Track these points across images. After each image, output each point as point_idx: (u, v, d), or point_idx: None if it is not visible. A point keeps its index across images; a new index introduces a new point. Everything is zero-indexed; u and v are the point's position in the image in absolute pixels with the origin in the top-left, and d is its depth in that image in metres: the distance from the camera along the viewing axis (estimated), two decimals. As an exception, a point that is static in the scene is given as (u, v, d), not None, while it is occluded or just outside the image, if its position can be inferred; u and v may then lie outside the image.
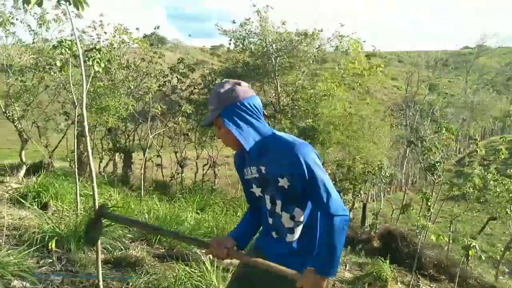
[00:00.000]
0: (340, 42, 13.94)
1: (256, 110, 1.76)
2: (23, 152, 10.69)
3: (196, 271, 3.38)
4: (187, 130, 15.20)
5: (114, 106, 10.22)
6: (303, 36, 13.46)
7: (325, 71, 14.18)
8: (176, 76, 13.88)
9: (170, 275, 3.41)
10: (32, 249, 3.03)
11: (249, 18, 13.89)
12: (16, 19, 10.85)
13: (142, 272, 3.52)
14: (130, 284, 3.21)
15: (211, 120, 1.76)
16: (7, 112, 10.91)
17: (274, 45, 13.63)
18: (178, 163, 16.27)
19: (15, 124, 10.48)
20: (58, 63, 4.48)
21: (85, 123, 1.93)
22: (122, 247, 4.21)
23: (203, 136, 15.57)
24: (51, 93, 11.75)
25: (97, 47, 3.71)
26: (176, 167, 16.31)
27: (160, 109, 7.73)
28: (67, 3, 1.55)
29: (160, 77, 12.99)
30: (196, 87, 15.11)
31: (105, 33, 12.12)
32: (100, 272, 1.89)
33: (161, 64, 13.42)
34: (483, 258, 8.83)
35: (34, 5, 1.55)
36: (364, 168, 13.78)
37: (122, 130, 14.73)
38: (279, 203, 1.79)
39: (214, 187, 15.87)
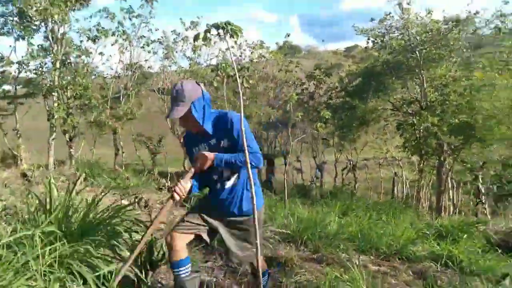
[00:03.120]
0: (503, 23, 11.93)
1: (209, 100, 2.35)
2: (186, 161, 12.41)
3: (346, 275, 3.37)
4: (326, 134, 15.26)
5: (257, 114, 11.02)
6: (454, 23, 12.01)
7: (482, 57, 12.29)
8: (313, 83, 14.10)
9: (320, 277, 3.49)
10: (200, 245, 3.48)
11: (390, 13, 13.15)
12: (176, 52, 12.86)
13: (292, 272, 3.69)
14: (283, 282, 3.40)
15: (182, 114, 2.24)
16: (172, 128, 12.90)
17: (418, 37, 12.51)
18: (317, 167, 16.48)
19: (178, 137, 12.28)
20: (215, 83, 5.09)
21: (244, 139, 2.17)
22: (271, 248, 4.51)
23: (342, 140, 15.42)
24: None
25: (246, 65, 4.10)
26: (315, 171, 16.55)
27: (300, 116, 8.02)
28: (227, 35, 1.80)
29: (298, 85, 13.39)
30: (333, 91, 15.06)
31: (245, 50, 13.21)
32: (261, 271, 2.07)
33: (296, 72, 13.84)
34: None
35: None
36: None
37: (264, 138, 15.73)
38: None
39: (354, 191, 15.48)
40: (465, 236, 7.16)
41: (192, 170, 2.35)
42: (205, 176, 2.46)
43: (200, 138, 2.44)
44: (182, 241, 2.37)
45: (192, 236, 2.44)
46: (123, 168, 11.86)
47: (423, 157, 13.22)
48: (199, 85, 2.34)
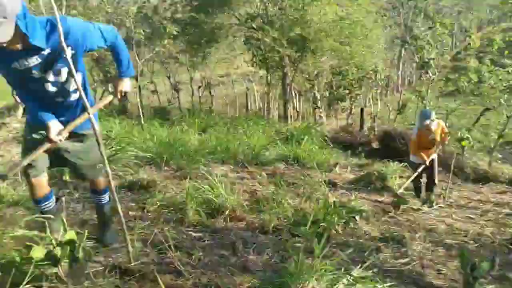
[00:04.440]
0: None
1: (27, 11, 1.88)
2: (15, 92, 10.50)
3: (205, 185, 3.56)
4: (176, 53, 14.73)
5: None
6: None
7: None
8: (156, -5, 12.99)
9: (181, 192, 3.60)
10: (52, 181, 3.15)
11: None
12: None
13: (156, 192, 3.71)
14: (146, 203, 3.40)
15: (11, 34, 1.79)
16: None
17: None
18: (172, 87, 16.11)
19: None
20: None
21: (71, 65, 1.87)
22: (132, 171, 4.39)
23: (194, 57, 15.15)
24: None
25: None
26: (171, 92, 16.19)
27: (143, 33, 7.36)
28: None
29: (139, -2, 12.18)
30: (179, 4, 14.21)
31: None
32: (115, 195, 2.00)
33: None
34: (475, 148, 9.22)
35: None
36: (359, 73, 13.60)
37: (111, 60, 14.18)
38: (64, 72, 2.11)
39: (211, 108, 15.91)
40: (306, 137, 8.31)
41: (109, 98, 2.26)
42: (38, 94, 2.14)
43: (25, 52, 1.96)
44: (45, 180, 2.27)
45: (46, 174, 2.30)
46: None
47: (269, 70, 14.17)
48: None
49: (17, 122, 7.75)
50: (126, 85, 2.38)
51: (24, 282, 1.58)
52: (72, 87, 2.18)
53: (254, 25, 12.76)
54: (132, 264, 2.11)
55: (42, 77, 2.08)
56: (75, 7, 9.80)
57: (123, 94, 2.44)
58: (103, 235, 2.56)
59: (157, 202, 3.31)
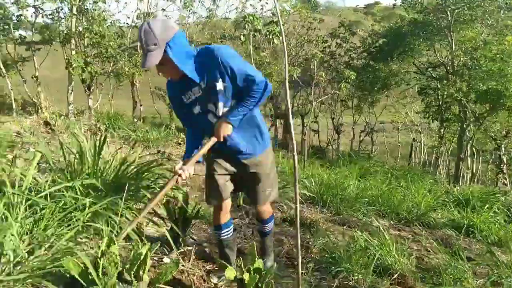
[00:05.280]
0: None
1: (185, 40, 1.93)
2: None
3: (375, 240, 3.33)
4: (344, 96, 14.92)
5: (276, 72, 10.71)
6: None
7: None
8: (336, 42, 13.54)
9: (345, 240, 3.47)
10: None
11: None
12: (194, 1, 12.33)
13: (317, 233, 3.68)
14: (310, 243, 3.40)
15: (158, 60, 1.84)
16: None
17: (454, -5, 11.70)
18: (334, 129, 16.30)
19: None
20: (242, 38, 4.84)
21: (288, 96, 2.00)
22: (292, 206, 4.51)
23: (361, 102, 15.07)
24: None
25: (274, 20, 3.85)
26: (332, 133, 16.38)
27: (324, 76, 7.73)
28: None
29: (320, 43, 12.89)
30: (355, 51, 14.50)
31: (267, 3, 12.60)
32: (299, 233, 2.01)
33: (320, 29, 13.28)
34: None
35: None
36: None
37: (282, 97, 15.40)
38: (221, 105, 2.09)
39: (371, 154, 15.37)
40: (486, 206, 7.09)
41: (213, 139, 2.10)
42: (202, 125, 2.19)
43: (188, 84, 2.05)
44: (228, 205, 2.33)
45: (230, 199, 2.35)
46: (141, 120, 11.86)
47: (444, 123, 12.91)
48: (166, 21, 1.94)
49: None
50: (228, 129, 2.10)
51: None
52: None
53: (434, 74, 11.93)
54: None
55: (204, 111, 2.12)
56: (264, 50, 11.01)
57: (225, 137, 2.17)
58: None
59: (321, 246, 3.26)
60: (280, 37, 3.85)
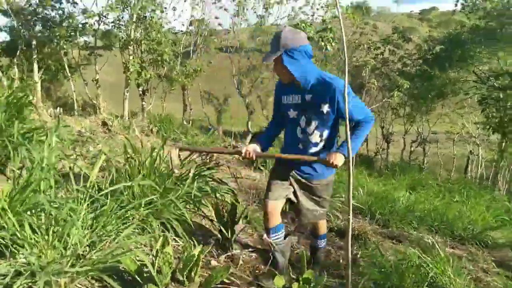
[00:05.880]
0: None
1: (308, 54, 2.22)
2: (250, 122, 12.47)
3: (429, 257, 3.16)
4: (396, 104, 14.39)
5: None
6: None
7: None
8: (389, 48, 13.12)
9: (399, 256, 3.32)
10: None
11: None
12: (247, 9, 12.53)
13: (365, 246, 3.57)
14: (357, 254, 3.30)
15: (270, 60, 2.18)
16: (239, 88, 12.91)
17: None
18: (383, 138, 15.75)
19: (243, 98, 12.29)
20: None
21: (347, 103, 1.97)
22: (342, 219, 4.40)
23: (414, 111, 14.45)
24: (271, 71, 13.17)
25: (329, 26, 3.81)
26: (381, 142, 15.85)
27: (376, 84, 7.51)
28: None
29: (372, 49, 12.55)
30: (409, 58, 13.94)
31: (318, 9, 12.50)
32: (350, 244, 1.96)
33: (372, 35, 12.94)
34: None
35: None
36: None
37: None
38: (314, 124, 2.32)
39: (422, 166, 14.67)
40: (553, 228, 6.49)
41: (310, 158, 2.32)
42: (290, 134, 2.43)
43: (293, 89, 2.33)
44: (277, 207, 2.37)
45: (284, 201, 2.41)
46: (190, 123, 12.22)
47: (506, 136, 12.00)
48: (299, 34, 2.21)
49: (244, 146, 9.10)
50: (340, 159, 2.26)
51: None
52: (315, 140, 2.36)
53: (497, 84, 11.16)
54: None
55: (296, 119, 2.36)
56: (315, 56, 10.92)
57: (333, 165, 2.29)
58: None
59: (370, 259, 3.15)
60: (333, 43, 3.82)
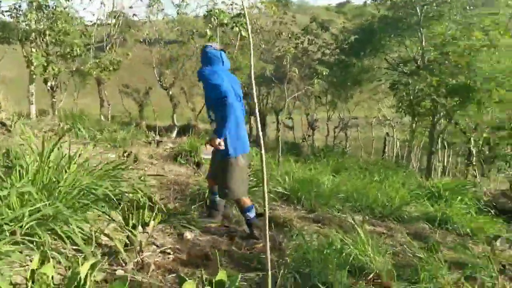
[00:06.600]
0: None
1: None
2: (174, 116, 12.01)
3: (349, 238, 3.19)
4: (319, 92, 14.90)
5: (246, 65, 10.48)
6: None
7: (485, 17, 11.78)
8: (308, 38, 13.47)
9: (322, 240, 3.32)
10: (196, 205, 3.26)
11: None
12: (162, -1, 11.95)
13: (291, 233, 3.52)
14: (282, 243, 3.23)
15: None
16: (160, 80, 12.33)
17: (420, -8, 11.85)
18: (309, 125, 16.29)
19: (166, 90, 11.77)
20: (209, 32, 4.65)
21: (253, 89, 1.83)
22: (270, 207, 4.33)
23: (335, 98, 15.10)
24: (194, 62, 12.78)
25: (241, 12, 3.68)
26: (307, 129, 16.38)
27: (296, 72, 7.61)
28: None
29: (293, 39, 12.77)
30: (328, 47, 14.48)
31: (235, -1, 12.34)
32: (267, 234, 1.84)
33: (291, 25, 13.17)
34: None
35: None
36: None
37: (256, 94, 15.28)
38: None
39: (345, 149, 15.45)
40: (458, 198, 7.15)
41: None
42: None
43: None
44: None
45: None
46: (109, 119, 11.40)
47: (415, 117, 13.08)
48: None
49: (172, 142, 8.72)
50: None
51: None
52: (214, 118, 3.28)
53: (405, 70, 12.04)
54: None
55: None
56: (234, 45, 10.78)
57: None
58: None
59: (293, 246, 3.09)
60: (247, 30, 3.67)
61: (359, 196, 6.14)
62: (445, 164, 14.75)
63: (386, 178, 8.94)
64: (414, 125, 13.34)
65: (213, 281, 1.53)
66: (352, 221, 3.92)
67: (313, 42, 13.60)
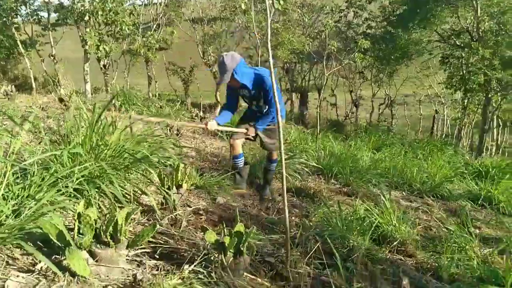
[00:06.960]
0: None
1: (244, 63, 3.45)
2: (218, 93, 12.29)
3: (376, 209, 3.26)
4: (363, 68, 14.48)
5: (288, 40, 10.42)
6: None
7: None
8: (353, 11, 13.02)
9: (348, 210, 3.42)
10: (229, 174, 3.47)
11: None
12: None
13: (320, 203, 3.65)
14: (309, 212, 3.38)
15: (229, 79, 3.36)
16: (204, 57, 12.62)
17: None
18: (352, 102, 15.96)
19: (210, 68, 12.06)
20: (243, 6, 4.75)
21: (270, 57, 1.94)
22: (301, 179, 4.46)
23: (380, 74, 14.59)
24: (236, 39, 12.91)
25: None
26: (350, 107, 16.06)
27: (336, 46, 7.44)
28: None
29: (336, 12, 12.43)
30: (373, 20, 13.91)
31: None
32: (286, 197, 1.99)
33: (334, -2, 12.79)
34: None
35: None
36: None
37: (298, 70, 15.14)
38: (260, 101, 3.59)
39: (391, 127, 15.03)
40: (507, 176, 6.83)
41: (244, 131, 3.59)
42: (249, 109, 3.79)
43: (241, 89, 3.55)
44: (239, 143, 3.63)
45: (243, 140, 3.67)
46: (157, 97, 11.94)
47: (467, 94, 12.38)
48: (232, 55, 3.34)
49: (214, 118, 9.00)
50: (253, 129, 3.60)
51: (198, 260, 1.74)
52: (263, 109, 3.65)
53: (458, 42, 11.33)
54: (288, 269, 2.08)
55: (249, 103, 3.72)
56: (278, 21, 10.74)
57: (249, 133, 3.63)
58: (262, 191, 3.84)
59: (321, 215, 3.22)
60: (281, 1, 3.72)
61: (398, 173, 6.09)
62: (499, 143, 13.87)
63: (431, 156, 8.70)
64: (465, 101, 12.62)
65: (232, 232, 1.72)
66: (381, 193, 3.96)
67: (358, 15, 13.11)
